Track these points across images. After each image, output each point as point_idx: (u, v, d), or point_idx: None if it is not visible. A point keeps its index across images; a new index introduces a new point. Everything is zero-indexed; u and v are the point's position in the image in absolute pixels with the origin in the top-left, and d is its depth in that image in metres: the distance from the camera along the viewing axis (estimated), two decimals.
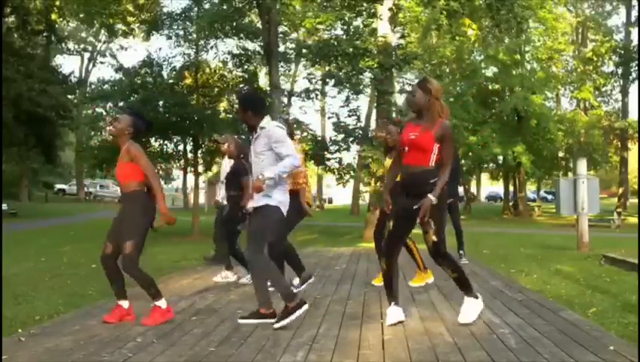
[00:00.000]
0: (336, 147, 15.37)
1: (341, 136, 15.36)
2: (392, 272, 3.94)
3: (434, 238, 3.77)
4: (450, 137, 3.74)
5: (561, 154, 30.59)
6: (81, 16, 23.07)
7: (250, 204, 4.09)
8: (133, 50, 53.32)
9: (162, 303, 3.97)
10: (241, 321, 3.91)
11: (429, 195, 3.63)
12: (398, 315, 3.90)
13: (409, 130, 3.82)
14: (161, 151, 16.50)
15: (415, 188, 3.73)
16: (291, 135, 4.86)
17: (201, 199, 25.53)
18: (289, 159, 3.83)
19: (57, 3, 22.32)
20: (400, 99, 18.41)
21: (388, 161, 5.65)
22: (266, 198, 3.92)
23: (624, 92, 32.24)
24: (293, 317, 3.77)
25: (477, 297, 3.92)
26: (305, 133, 17.43)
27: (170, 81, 16.23)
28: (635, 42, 28.75)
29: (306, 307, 3.83)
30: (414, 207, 3.67)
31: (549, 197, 44.16)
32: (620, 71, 30.50)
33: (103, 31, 31.28)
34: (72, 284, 6.22)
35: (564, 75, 31.71)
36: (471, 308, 3.88)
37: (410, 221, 3.83)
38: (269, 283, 4.08)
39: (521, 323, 3.87)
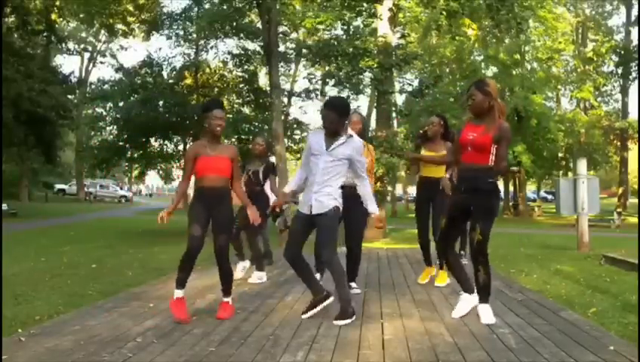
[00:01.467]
0: None
1: None
2: (455, 266, 4.14)
3: (480, 237, 3.87)
4: (507, 139, 3.83)
5: (561, 154, 30.58)
6: (81, 16, 23.07)
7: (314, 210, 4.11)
8: (133, 50, 53.39)
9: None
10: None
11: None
12: (470, 303, 4.09)
13: (468, 129, 3.92)
14: (161, 150, 16.51)
15: (473, 183, 3.85)
16: (362, 135, 4.71)
17: None
18: (368, 184, 4.23)
19: (57, 3, 22.29)
20: (400, 99, 18.39)
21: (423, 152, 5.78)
22: (332, 201, 4.06)
23: (624, 92, 32.27)
24: (316, 310, 4.07)
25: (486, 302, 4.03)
26: (305, 133, 17.43)
27: (170, 81, 16.24)
28: (635, 42, 28.80)
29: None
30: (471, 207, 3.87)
31: (549, 197, 44.19)
32: (620, 71, 30.52)
33: (103, 31, 31.30)
34: (72, 284, 6.21)
35: (565, 74, 31.69)
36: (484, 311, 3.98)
37: (463, 215, 4.00)
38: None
39: (521, 323, 3.88)
